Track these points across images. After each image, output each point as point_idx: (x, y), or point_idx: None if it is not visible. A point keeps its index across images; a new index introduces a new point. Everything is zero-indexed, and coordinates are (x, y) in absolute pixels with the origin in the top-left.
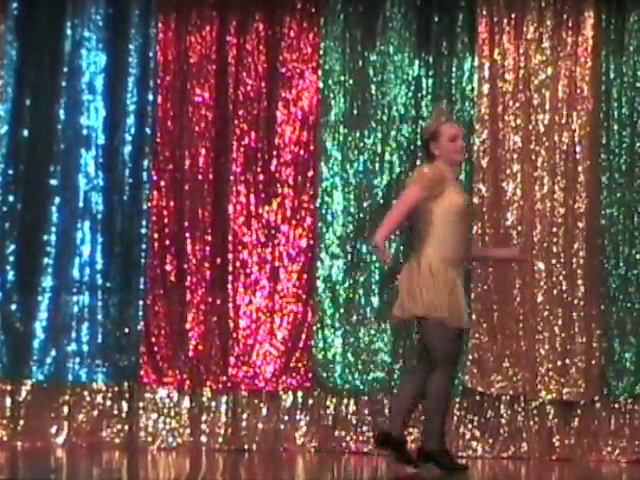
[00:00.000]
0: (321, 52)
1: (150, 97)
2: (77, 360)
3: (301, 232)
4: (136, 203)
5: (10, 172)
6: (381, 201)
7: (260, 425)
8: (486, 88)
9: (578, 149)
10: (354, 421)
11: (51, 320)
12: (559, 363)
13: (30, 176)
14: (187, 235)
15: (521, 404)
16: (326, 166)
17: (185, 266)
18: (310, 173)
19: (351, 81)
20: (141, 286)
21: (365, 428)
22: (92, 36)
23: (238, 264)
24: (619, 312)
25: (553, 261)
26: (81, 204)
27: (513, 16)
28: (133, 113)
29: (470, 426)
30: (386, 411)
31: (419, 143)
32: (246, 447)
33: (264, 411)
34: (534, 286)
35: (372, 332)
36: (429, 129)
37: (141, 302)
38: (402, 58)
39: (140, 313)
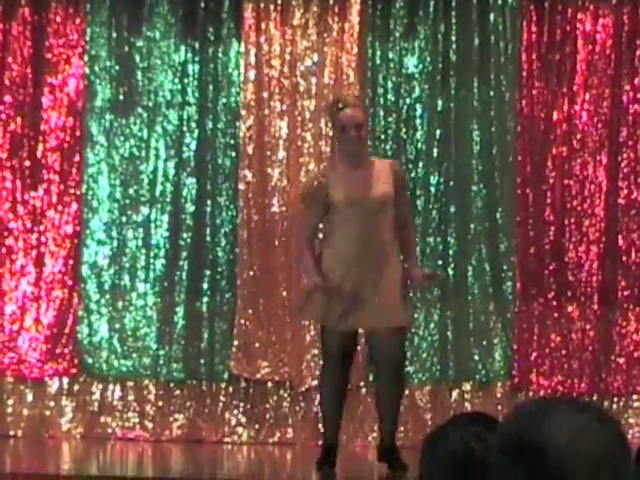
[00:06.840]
0: (87, 38)
1: None
2: None
3: (67, 218)
4: None
5: None
6: (147, 187)
7: (25, 411)
8: (252, 74)
9: None
10: (120, 407)
11: None
12: None
13: None
14: None
15: (287, 390)
16: (92, 152)
17: None
18: (76, 159)
19: (117, 67)
20: None
21: (131, 414)
22: None
23: (4, 250)
24: None
25: None
26: None
27: (279, 2)
28: None
29: (236, 412)
30: (152, 397)
31: (185, 129)
32: (12, 433)
33: (30, 397)
34: None
35: (138, 318)
36: (330, 118)
37: None
38: (168, 44)
39: None
